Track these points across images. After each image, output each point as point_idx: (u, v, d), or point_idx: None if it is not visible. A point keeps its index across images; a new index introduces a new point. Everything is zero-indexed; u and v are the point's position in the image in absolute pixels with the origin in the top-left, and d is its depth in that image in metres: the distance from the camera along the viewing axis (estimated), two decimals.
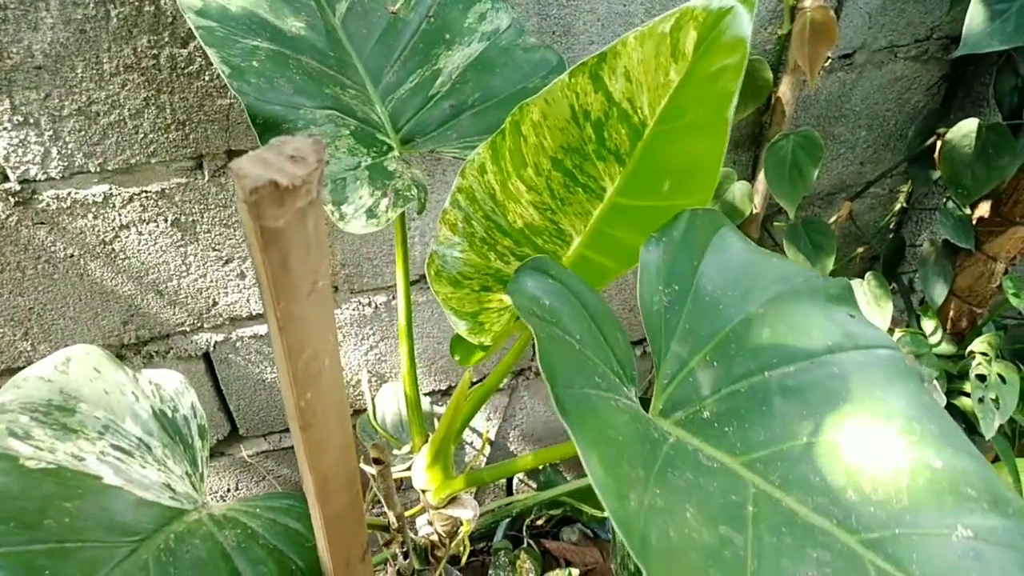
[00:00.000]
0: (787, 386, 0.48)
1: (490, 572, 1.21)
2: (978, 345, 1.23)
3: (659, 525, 0.35)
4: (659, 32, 0.53)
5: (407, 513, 0.86)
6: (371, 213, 0.56)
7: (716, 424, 0.47)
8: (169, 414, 0.49)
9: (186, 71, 0.82)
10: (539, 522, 1.56)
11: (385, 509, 0.76)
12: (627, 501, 0.34)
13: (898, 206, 1.35)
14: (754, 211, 1.19)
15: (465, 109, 0.67)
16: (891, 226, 1.39)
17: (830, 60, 1.10)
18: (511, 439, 1.41)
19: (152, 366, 1.05)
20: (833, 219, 1.27)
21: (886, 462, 0.43)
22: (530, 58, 0.69)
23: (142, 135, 0.84)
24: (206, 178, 0.90)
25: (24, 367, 0.98)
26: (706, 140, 0.56)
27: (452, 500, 0.84)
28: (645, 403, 0.49)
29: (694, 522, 0.37)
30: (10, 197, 0.84)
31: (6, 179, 0.83)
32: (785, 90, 1.06)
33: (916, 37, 1.13)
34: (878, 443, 0.44)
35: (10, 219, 0.86)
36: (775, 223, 1.26)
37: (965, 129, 1.09)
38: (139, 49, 0.79)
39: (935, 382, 1.27)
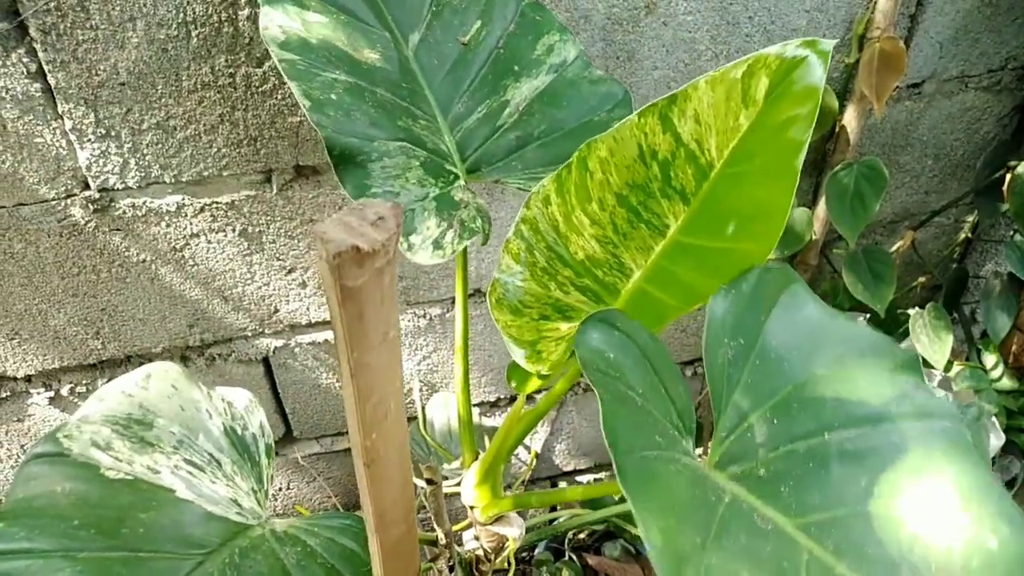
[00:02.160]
0: (846, 450, 0.47)
1: None
2: None
3: None
4: (731, 78, 0.53)
5: (454, 528, 0.87)
6: (437, 244, 0.58)
7: (772, 483, 0.47)
8: (239, 431, 0.51)
9: (260, 89, 0.84)
10: (581, 535, 1.57)
11: (434, 524, 0.78)
12: (685, 569, 0.35)
13: (962, 236, 1.33)
14: (814, 237, 1.18)
15: (531, 141, 0.68)
16: (954, 256, 1.36)
17: (898, 90, 1.08)
18: (556, 453, 1.42)
19: (214, 368, 1.08)
20: (895, 248, 1.25)
21: (941, 538, 0.43)
22: (596, 91, 0.70)
23: (215, 149, 0.87)
24: (274, 191, 0.93)
25: (94, 364, 1.02)
26: (773, 187, 0.56)
27: (499, 518, 0.86)
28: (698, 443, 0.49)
29: None
30: (90, 204, 0.88)
31: (87, 187, 0.87)
32: (850, 118, 1.05)
33: (989, 67, 1.10)
34: (935, 517, 0.43)
35: (88, 225, 0.90)
36: (835, 250, 1.24)
37: None
38: (216, 68, 0.82)
39: (994, 419, 1.24)
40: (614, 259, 0.65)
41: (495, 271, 0.64)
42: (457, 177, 0.66)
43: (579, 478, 1.52)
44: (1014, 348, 1.36)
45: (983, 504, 0.44)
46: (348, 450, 1.28)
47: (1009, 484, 1.51)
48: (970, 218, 1.30)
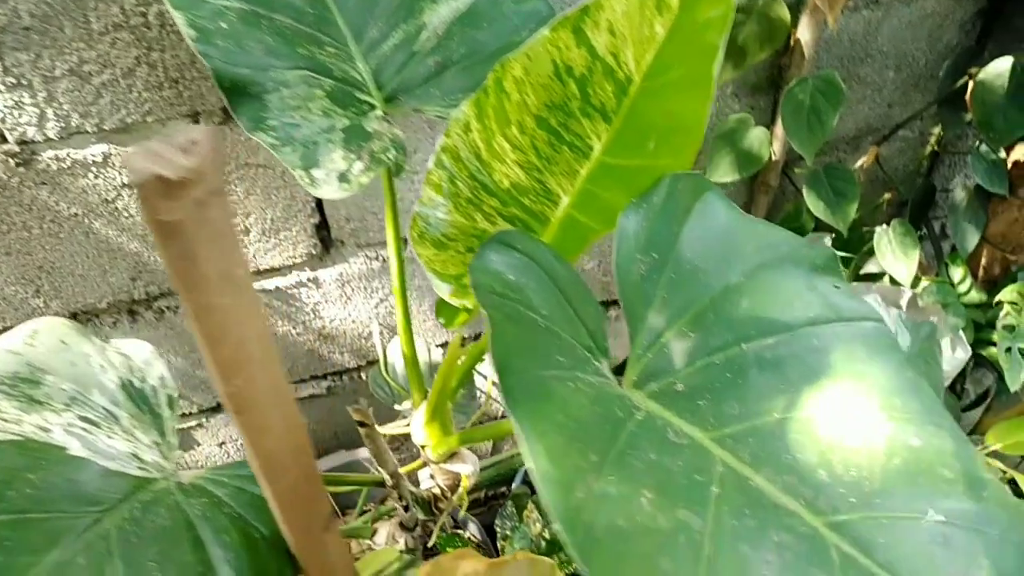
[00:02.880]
0: (765, 359, 0.46)
1: (496, 521, 1.23)
2: (1007, 294, 1.18)
3: (607, 514, 0.34)
4: None
5: (408, 468, 0.87)
6: (343, 177, 0.55)
7: (690, 397, 0.45)
8: (137, 384, 0.49)
9: (175, 28, 0.80)
10: None
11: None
12: (573, 492, 0.33)
13: (928, 150, 1.30)
14: (773, 158, 1.15)
15: (450, 66, 0.64)
16: (921, 171, 1.33)
17: None
18: None
19: (164, 321, 1.06)
20: (858, 164, 1.22)
21: (862, 440, 0.41)
22: (520, 9, 0.66)
23: (135, 94, 0.83)
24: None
25: None
26: (692, 98, 0.53)
27: (453, 455, 0.85)
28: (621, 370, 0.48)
29: (649, 508, 0.36)
30: (10, 159, 0.84)
31: (5, 141, 0.83)
32: (804, 31, 1.01)
33: None
34: (856, 419, 0.42)
35: (12, 180, 0.86)
36: (796, 169, 1.21)
37: (998, 69, 1.03)
38: (126, 7, 0.77)
39: (961, 333, 1.23)
40: (540, 185, 0.62)
41: (415, 204, 0.61)
42: (372, 107, 0.62)
43: None
44: (983, 261, 1.34)
45: (906, 404, 0.43)
46: (313, 396, 1.27)
47: (984, 396, 1.52)
48: (936, 130, 1.27)
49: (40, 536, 0.41)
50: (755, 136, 1.09)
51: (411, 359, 0.83)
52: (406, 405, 1.02)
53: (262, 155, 0.93)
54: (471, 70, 0.65)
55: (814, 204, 1.14)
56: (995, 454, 1.16)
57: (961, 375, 1.53)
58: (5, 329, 0.99)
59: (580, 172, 0.61)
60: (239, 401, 0.34)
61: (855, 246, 1.26)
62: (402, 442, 1.41)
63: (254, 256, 1.03)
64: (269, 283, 1.08)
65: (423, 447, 0.84)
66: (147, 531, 0.45)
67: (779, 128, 1.11)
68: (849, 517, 0.39)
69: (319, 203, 1.01)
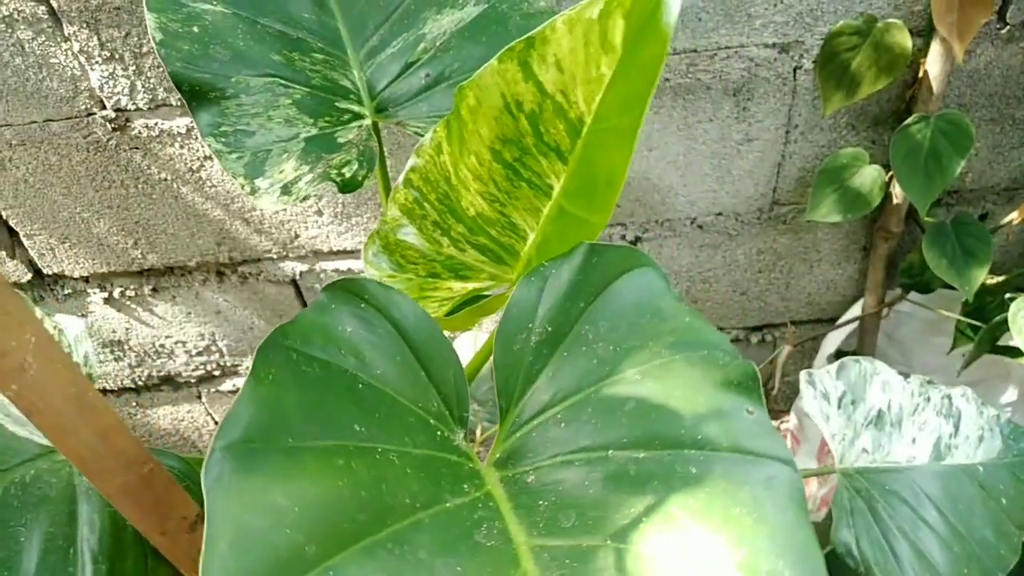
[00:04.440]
0: (627, 473, 0.40)
1: None
2: None
3: None
4: (587, 18, 0.45)
5: None
6: (286, 189, 0.55)
7: (535, 494, 0.41)
8: None
9: None
10: None
11: None
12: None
13: None
14: (894, 201, 1.01)
15: (442, 80, 0.62)
16: None
17: (1008, 27, 0.88)
18: None
19: (247, 287, 1.13)
20: (1007, 220, 1.04)
21: None
22: (526, 25, 0.62)
23: None
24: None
25: (139, 272, 1.10)
26: (625, 147, 0.48)
27: None
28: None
29: None
30: (108, 123, 0.93)
31: (103, 107, 0.92)
32: (933, 63, 0.87)
33: None
34: (702, 573, 0.35)
35: (110, 142, 0.95)
36: (927, 218, 1.06)
37: None
38: None
39: None
40: (504, 219, 0.59)
41: (375, 223, 0.60)
42: (358, 117, 0.62)
43: None
44: None
45: (775, 573, 0.35)
46: None
47: None
48: None
49: None
50: (868, 175, 0.96)
51: None
52: None
53: None
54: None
55: (934, 261, 0.99)
56: None
57: None
58: (111, 274, 1.10)
59: (543, 211, 0.57)
60: (24, 404, 0.35)
61: (992, 313, 1.09)
62: None
63: (327, 237, 1.07)
64: (342, 264, 1.11)
65: None
66: (30, 497, 0.49)
67: None
68: None
69: (386, 195, 1.02)
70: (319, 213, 1.04)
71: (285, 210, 1.03)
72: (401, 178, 0.58)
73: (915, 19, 0.87)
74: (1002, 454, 0.78)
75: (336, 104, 0.60)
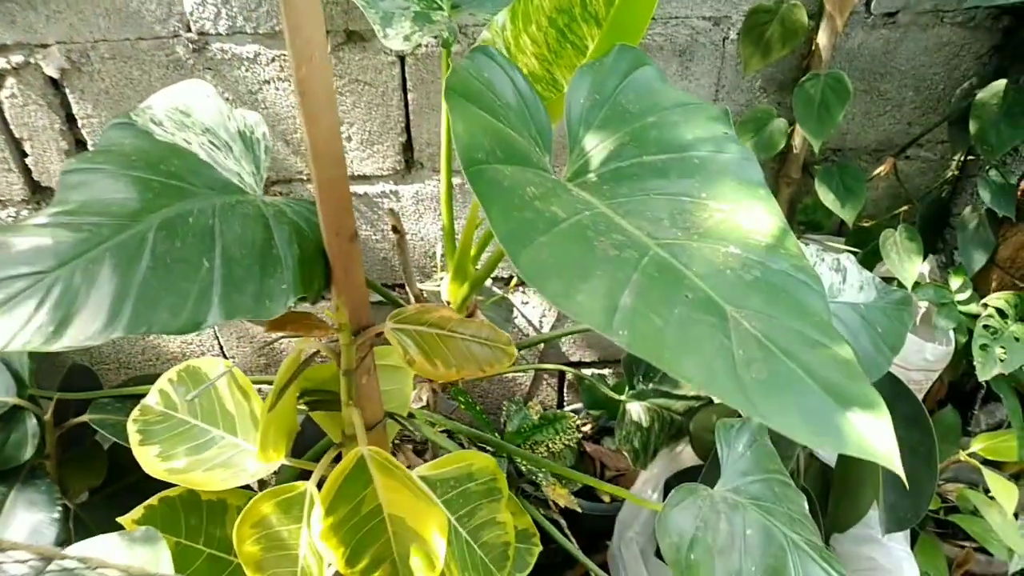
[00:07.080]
0: (657, 167, 0.66)
1: (504, 403, 1.40)
2: (995, 299, 1.30)
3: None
4: None
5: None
6: (407, 38, 0.80)
7: (599, 184, 0.67)
8: (248, 134, 0.75)
9: None
10: (585, 428, 1.76)
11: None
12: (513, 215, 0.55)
13: (949, 174, 1.44)
14: (794, 151, 1.34)
15: None
16: (943, 195, 1.47)
17: (872, 16, 1.22)
18: (564, 342, 1.61)
19: None
20: (876, 172, 1.38)
21: (744, 218, 0.61)
22: None
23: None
24: (327, 50, 1.17)
25: None
26: (647, 6, 0.75)
27: (471, 315, 1.07)
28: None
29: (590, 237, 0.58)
30: (190, 44, 1.15)
31: (189, 29, 1.14)
32: (822, 35, 1.20)
33: (963, 3, 1.23)
34: (731, 204, 0.62)
35: (188, 61, 1.17)
36: (816, 165, 1.39)
37: (995, 88, 1.19)
38: None
39: (951, 333, 1.35)
40: (549, 76, 0.85)
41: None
42: (440, 8, 0.88)
43: (584, 370, 1.70)
44: (993, 284, 1.46)
45: (737, 198, 0.62)
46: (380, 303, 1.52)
47: (997, 426, 1.61)
48: (958, 155, 1.42)
49: (174, 194, 0.66)
50: (775, 126, 1.28)
51: (449, 230, 1.07)
52: (442, 275, 1.25)
53: (370, 73, 1.20)
54: None
55: (824, 195, 1.31)
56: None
57: (971, 403, 1.63)
58: None
59: (577, 67, 0.84)
60: (304, 85, 0.58)
61: (864, 247, 1.41)
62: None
63: (351, 162, 1.30)
64: (360, 188, 1.34)
65: (449, 303, 1.06)
66: (237, 213, 0.70)
67: None
68: (674, 241, 0.59)
69: (407, 124, 1.27)
70: (348, 140, 1.28)
71: None
72: (469, 51, 0.84)
73: (810, 3, 1.21)
74: (876, 300, 1.08)
75: None
